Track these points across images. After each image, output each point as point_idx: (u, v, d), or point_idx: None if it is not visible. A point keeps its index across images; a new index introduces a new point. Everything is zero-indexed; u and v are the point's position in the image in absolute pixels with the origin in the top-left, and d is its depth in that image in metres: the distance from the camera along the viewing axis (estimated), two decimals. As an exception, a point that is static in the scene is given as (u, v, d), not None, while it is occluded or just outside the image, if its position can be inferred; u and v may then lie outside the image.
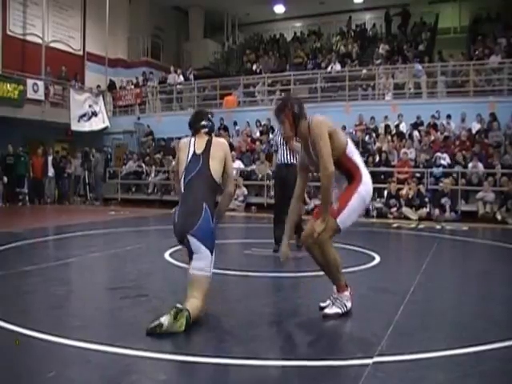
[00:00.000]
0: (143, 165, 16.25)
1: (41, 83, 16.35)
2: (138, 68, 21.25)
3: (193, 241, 3.23)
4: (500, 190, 11.25)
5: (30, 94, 15.86)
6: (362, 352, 2.74)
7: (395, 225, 10.20)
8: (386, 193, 12.00)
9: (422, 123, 14.23)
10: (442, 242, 7.93)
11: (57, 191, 16.40)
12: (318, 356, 2.75)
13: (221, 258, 4.90)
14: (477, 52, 16.26)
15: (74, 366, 2.57)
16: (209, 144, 3.46)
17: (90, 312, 3.63)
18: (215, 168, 3.38)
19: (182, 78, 19.41)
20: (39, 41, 17.40)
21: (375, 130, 14.72)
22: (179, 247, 6.43)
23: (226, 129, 16.37)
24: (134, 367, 2.58)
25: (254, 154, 14.84)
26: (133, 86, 19.59)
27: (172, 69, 19.78)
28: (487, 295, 4.34)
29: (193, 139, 3.56)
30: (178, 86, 19.15)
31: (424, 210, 11.08)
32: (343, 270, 3.51)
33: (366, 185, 3.39)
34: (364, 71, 16.77)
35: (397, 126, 14.46)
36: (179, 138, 17.28)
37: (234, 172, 3.53)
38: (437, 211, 10.96)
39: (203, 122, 3.62)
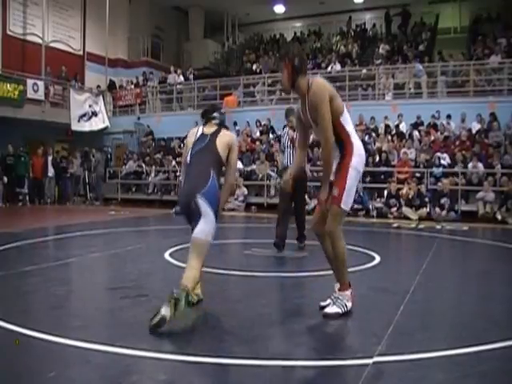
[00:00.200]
0: (143, 165, 16.26)
1: (41, 83, 16.36)
2: (138, 68, 21.27)
3: (202, 202, 3.28)
4: (500, 189, 11.25)
5: (30, 94, 15.87)
6: (361, 352, 2.74)
7: (395, 225, 10.20)
8: (385, 193, 12.00)
9: (422, 123, 14.23)
10: (442, 241, 7.93)
11: (57, 191, 16.41)
12: (318, 356, 2.75)
13: (221, 258, 4.92)
14: (476, 52, 16.27)
15: (75, 366, 2.57)
16: (217, 131, 3.63)
17: (90, 312, 3.63)
18: (222, 149, 3.52)
19: (181, 77, 19.41)
20: (39, 41, 17.41)
21: (375, 129, 14.72)
22: (179, 247, 6.46)
23: (225, 129, 16.34)
24: (135, 367, 2.58)
25: (254, 153, 14.84)
26: (133, 86, 19.60)
27: (172, 69, 19.78)
28: (487, 295, 4.34)
29: (201, 127, 3.71)
30: (178, 86, 19.16)
31: (424, 210, 11.08)
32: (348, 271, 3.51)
33: (358, 156, 3.39)
34: (364, 71, 16.78)
35: (397, 126, 14.46)
36: (179, 138, 17.46)
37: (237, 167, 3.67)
38: (437, 210, 10.96)
39: (215, 114, 3.76)
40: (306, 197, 10.34)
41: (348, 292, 3.43)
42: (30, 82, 15.93)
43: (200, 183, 3.33)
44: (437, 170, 12.07)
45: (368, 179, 12.71)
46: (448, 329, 3.34)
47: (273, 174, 13.56)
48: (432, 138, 13.41)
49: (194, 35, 24.67)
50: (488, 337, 2.97)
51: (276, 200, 11.86)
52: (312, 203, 11.06)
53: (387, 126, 14.51)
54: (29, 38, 17.87)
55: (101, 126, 18.18)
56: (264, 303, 3.87)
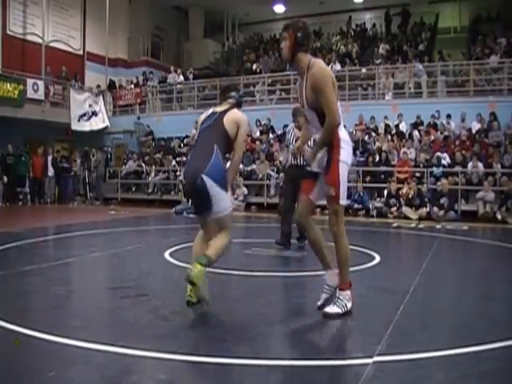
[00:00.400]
0: (143, 164, 16.26)
1: (41, 83, 16.36)
2: (138, 68, 21.26)
3: (208, 181, 3.30)
4: (500, 189, 11.25)
5: (30, 94, 15.88)
6: (362, 352, 2.74)
7: (395, 224, 10.20)
8: (385, 192, 12.01)
9: (421, 123, 14.23)
10: (442, 241, 7.93)
11: (57, 191, 16.41)
12: (318, 356, 2.75)
13: (221, 258, 4.90)
14: (476, 51, 16.27)
15: (75, 366, 2.57)
16: (228, 109, 3.62)
17: (90, 312, 3.63)
18: (230, 125, 3.51)
19: (181, 77, 19.41)
20: (39, 40, 17.41)
21: (375, 129, 14.72)
22: (179, 247, 6.46)
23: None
24: (135, 367, 2.58)
25: (254, 153, 14.84)
26: (133, 86, 19.60)
27: (172, 68, 19.78)
28: (487, 295, 4.34)
29: (214, 106, 3.76)
30: (178, 86, 19.16)
31: (424, 210, 11.08)
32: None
33: (344, 149, 3.39)
34: (364, 71, 16.77)
35: (397, 126, 14.47)
36: (179, 138, 17.43)
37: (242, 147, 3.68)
38: (435, 209, 10.96)
39: (232, 93, 3.76)
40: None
41: (349, 291, 3.43)
42: (29, 81, 15.93)
43: (203, 161, 3.35)
44: (437, 170, 12.07)
45: (368, 179, 12.72)
46: (448, 329, 3.34)
47: (273, 173, 13.56)
48: (432, 137, 13.41)
49: (194, 35, 24.67)
50: (488, 337, 2.97)
51: (276, 200, 11.88)
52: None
53: (387, 126, 14.51)
54: (29, 37, 17.87)
55: (101, 125, 18.18)
56: (264, 303, 3.87)
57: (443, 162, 12.30)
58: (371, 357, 2.62)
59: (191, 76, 19.70)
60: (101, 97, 18.52)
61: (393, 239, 8.97)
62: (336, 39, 21.28)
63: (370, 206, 12.01)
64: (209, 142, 3.45)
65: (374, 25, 21.85)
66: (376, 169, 12.86)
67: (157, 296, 4.00)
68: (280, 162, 12.78)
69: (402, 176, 12.26)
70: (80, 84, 19.14)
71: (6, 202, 14.42)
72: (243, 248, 6.98)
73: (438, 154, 12.39)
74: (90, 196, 16.33)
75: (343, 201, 3.40)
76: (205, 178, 3.30)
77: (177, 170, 15.11)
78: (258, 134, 15.98)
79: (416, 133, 13.85)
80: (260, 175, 13.90)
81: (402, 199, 11.45)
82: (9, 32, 17.35)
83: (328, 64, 17.75)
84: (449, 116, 13.82)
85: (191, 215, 11.77)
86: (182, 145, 17.04)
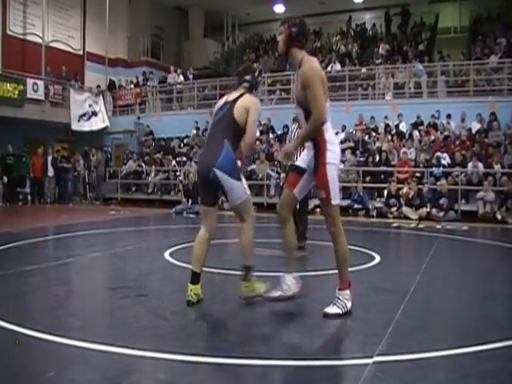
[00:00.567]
0: (143, 164, 16.26)
1: (41, 83, 16.36)
2: (138, 68, 21.27)
3: (220, 174, 3.49)
4: (500, 189, 11.24)
5: (30, 94, 15.88)
6: (362, 352, 2.74)
7: (395, 224, 10.19)
8: (385, 192, 12.00)
9: (422, 123, 14.22)
10: (442, 241, 7.93)
11: (57, 191, 16.41)
12: (318, 356, 2.75)
13: (221, 258, 4.92)
14: (476, 51, 16.27)
15: (74, 366, 2.56)
16: (240, 96, 3.72)
17: (90, 312, 3.63)
18: (239, 113, 3.62)
19: (181, 77, 19.40)
20: (39, 40, 17.41)
21: (375, 129, 14.72)
22: (179, 247, 6.45)
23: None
24: (134, 367, 2.58)
25: (254, 153, 14.83)
26: (132, 86, 19.59)
27: (172, 68, 19.78)
28: (487, 295, 4.33)
29: (229, 94, 3.85)
30: (178, 86, 19.15)
31: (424, 210, 11.07)
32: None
33: (331, 151, 3.40)
34: (364, 71, 16.77)
35: (397, 126, 14.46)
36: (179, 138, 17.42)
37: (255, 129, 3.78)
38: (434, 211, 10.95)
39: (247, 77, 3.84)
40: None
41: (348, 291, 3.43)
42: (29, 81, 15.93)
43: (214, 155, 3.52)
44: (437, 170, 12.07)
45: (368, 179, 12.72)
46: (448, 328, 3.34)
47: (273, 173, 13.55)
48: (432, 137, 13.41)
49: (194, 35, 24.67)
50: (488, 336, 2.97)
51: (276, 200, 11.87)
52: (312, 203, 11.06)
53: (387, 126, 14.51)
54: (29, 37, 17.87)
55: (101, 125, 18.18)
56: (264, 303, 3.86)
57: (443, 162, 12.30)
58: (371, 357, 2.61)
59: (191, 76, 19.69)
60: (101, 97, 18.52)
61: (393, 239, 8.97)
62: (336, 39, 21.28)
63: (370, 206, 12.00)
64: (219, 136, 3.60)
65: (373, 25, 21.86)
66: (376, 169, 12.86)
67: (157, 296, 4.00)
68: (279, 162, 12.78)
69: (402, 176, 12.25)
70: (80, 84, 19.14)
71: (5, 202, 14.41)
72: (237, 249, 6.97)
73: (438, 154, 12.39)
74: (90, 196, 16.33)
75: (336, 201, 3.42)
76: (216, 171, 3.48)
77: (177, 170, 15.11)
78: (258, 133, 15.96)
79: (416, 133, 13.85)
80: (260, 175, 13.89)
81: (402, 199, 11.44)
82: (9, 32, 17.35)
83: (328, 64, 17.80)
84: (449, 116, 13.82)
85: (191, 215, 11.78)
86: (181, 145, 17.03)
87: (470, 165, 11.90)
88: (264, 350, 2.83)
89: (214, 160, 3.50)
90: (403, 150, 12.98)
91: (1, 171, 14.46)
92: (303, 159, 3.57)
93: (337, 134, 15.01)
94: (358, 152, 13.89)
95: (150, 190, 15.64)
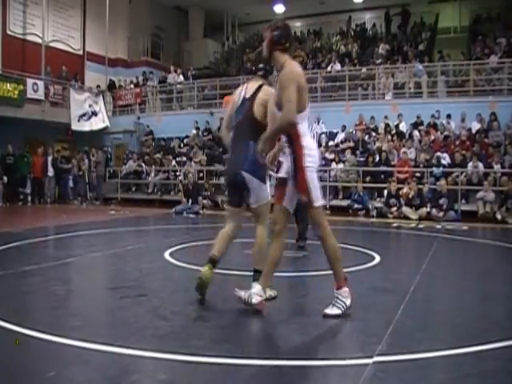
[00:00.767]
0: (143, 164, 16.26)
1: (41, 83, 16.36)
2: (137, 68, 21.26)
3: (247, 176, 3.67)
4: (500, 189, 11.24)
5: (30, 94, 15.88)
6: (362, 352, 2.74)
7: (395, 224, 10.19)
8: (385, 192, 12.00)
9: (422, 123, 14.22)
10: (442, 241, 7.93)
11: (57, 191, 16.41)
12: (318, 356, 2.75)
13: (221, 258, 4.89)
14: (476, 51, 16.27)
15: (74, 366, 2.56)
16: (258, 90, 3.79)
17: (90, 312, 3.63)
18: (259, 111, 3.72)
19: (181, 77, 19.40)
20: (39, 40, 17.40)
21: (375, 129, 14.72)
22: (179, 247, 6.46)
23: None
24: (134, 367, 2.58)
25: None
26: (132, 86, 19.59)
27: (172, 68, 19.77)
28: (487, 295, 4.33)
29: (245, 85, 3.93)
30: (178, 86, 19.15)
31: (424, 210, 11.07)
32: (343, 270, 3.50)
33: (308, 155, 3.40)
34: (364, 71, 16.77)
35: (397, 126, 14.46)
36: (179, 138, 17.41)
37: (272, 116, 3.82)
38: (434, 211, 10.95)
39: (261, 65, 3.93)
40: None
41: (346, 288, 3.41)
42: (29, 81, 15.93)
43: (240, 158, 3.67)
44: (437, 170, 12.07)
45: (368, 179, 12.72)
46: (448, 328, 3.34)
47: (273, 173, 13.52)
48: (432, 137, 13.40)
49: (194, 35, 24.67)
50: (488, 337, 2.97)
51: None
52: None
53: (387, 126, 14.51)
54: (29, 37, 17.86)
55: (101, 125, 18.18)
56: (265, 302, 3.86)
57: (443, 162, 12.30)
58: (371, 357, 2.61)
59: (191, 76, 19.69)
60: (101, 97, 18.52)
61: (393, 239, 8.97)
62: (336, 39, 21.28)
63: (370, 206, 12.00)
64: (244, 138, 3.71)
65: (374, 25, 21.85)
66: (376, 169, 12.85)
67: (157, 296, 4.00)
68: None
69: (402, 176, 12.26)
70: (80, 84, 19.14)
71: (6, 202, 14.41)
72: (243, 248, 6.98)
73: (438, 154, 12.39)
74: (90, 196, 16.33)
75: (318, 203, 3.42)
76: (244, 174, 3.65)
77: (177, 170, 15.11)
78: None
79: (416, 133, 13.85)
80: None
81: (401, 199, 11.44)
82: (9, 32, 17.34)
83: (328, 64, 17.80)
84: (449, 116, 13.81)
85: (191, 215, 11.78)
86: (181, 145, 17.03)
87: (470, 165, 11.90)
88: (264, 349, 2.83)
89: (241, 163, 3.65)
90: (403, 149, 12.98)
91: (1, 171, 14.46)
92: (284, 169, 3.57)
93: (337, 134, 15.04)
94: (358, 152, 13.89)
95: (150, 190, 15.63)
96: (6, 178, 14.49)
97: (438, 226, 9.86)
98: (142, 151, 17.56)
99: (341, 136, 14.77)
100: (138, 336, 2.94)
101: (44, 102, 16.59)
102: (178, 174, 14.90)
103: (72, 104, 17.32)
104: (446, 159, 12.42)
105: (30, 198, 15.30)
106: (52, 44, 18.68)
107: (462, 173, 11.82)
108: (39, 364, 2.59)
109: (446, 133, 13.48)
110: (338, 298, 3.41)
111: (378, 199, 12.44)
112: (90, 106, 17.82)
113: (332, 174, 13.22)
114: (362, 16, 23.24)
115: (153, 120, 18.42)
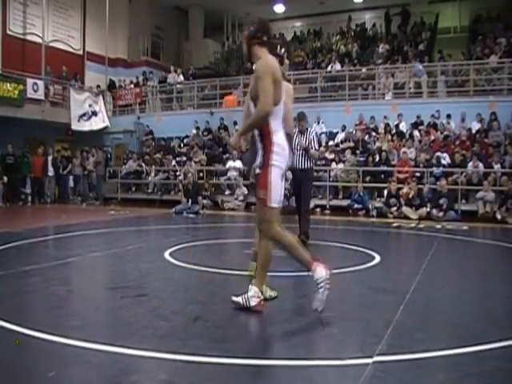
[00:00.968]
0: (143, 164, 16.26)
1: (41, 83, 16.36)
2: (137, 67, 21.28)
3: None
4: (500, 189, 11.25)
5: (30, 94, 15.89)
6: (361, 352, 2.74)
7: (395, 224, 10.19)
8: (385, 192, 12.00)
9: (422, 123, 14.23)
10: (442, 241, 7.93)
11: (57, 191, 16.41)
12: (318, 356, 2.75)
13: (221, 258, 4.92)
14: (476, 51, 16.27)
15: (74, 366, 2.56)
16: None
17: (90, 312, 3.63)
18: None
19: (181, 77, 19.41)
20: (39, 40, 17.41)
21: (375, 129, 14.72)
22: (179, 246, 6.46)
23: (225, 128, 16.37)
24: (135, 367, 2.58)
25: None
26: (132, 86, 19.59)
27: (172, 68, 19.78)
28: (487, 295, 4.34)
29: None
30: (178, 86, 19.16)
31: (424, 210, 11.08)
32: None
33: (277, 154, 3.39)
34: (364, 70, 16.78)
35: (397, 126, 14.47)
36: (179, 138, 17.41)
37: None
38: (434, 211, 10.95)
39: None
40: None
41: (320, 267, 3.30)
42: (29, 81, 15.94)
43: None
44: (437, 170, 12.07)
45: (368, 179, 12.72)
46: (448, 328, 3.34)
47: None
48: (432, 137, 13.41)
49: (194, 35, 24.67)
50: (488, 337, 2.97)
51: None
52: (312, 203, 11.06)
53: (387, 126, 14.51)
54: (29, 37, 17.88)
55: (101, 125, 18.19)
56: (264, 303, 3.87)
57: (443, 161, 12.30)
58: (371, 357, 2.62)
59: (191, 76, 19.70)
60: (101, 97, 18.53)
61: (393, 239, 8.97)
62: (336, 39, 21.29)
63: (370, 205, 12.01)
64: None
65: (373, 25, 21.87)
66: (376, 169, 12.86)
67: (157, 296, 4.00)
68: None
69: (402, 176, 12.26)
70: (80, 84, 19.15)
71: (6, 202, 14.42)
72: (243, 248, 6.98)
73: (438, 154, 12.39)
74: (90, 196, 16.33)
75: (273, 204, 3.38)
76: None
77: (177, 170, 15.11)
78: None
79: (416, 133, 13.85)
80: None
81: (402, 199, 11.45)
82: (9, 32, 17.36)
83: (328, 64, 17.81)
84: (449, 116, 13.82)
85: (191, 215, 11.78)
86: (181, 145, 17.04)
87: (470, 165, 11.91)
88: (264, 349, 2.84)
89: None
90: (403, 149, 12.99)
91: (1, 171, 14.47)
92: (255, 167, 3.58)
93: (337, 134, 15.04)
94: (358, 152, 13.89)
95: (149, 190, 15.64)
96: (6, 178, 14.50)
97: (438, 226, 9.86)
98: (142, 151, 17.56)
99: (341, 136, 14.78)
100: (138, 336, 2.94)
101: (44, 102, 16.60)
102: (177, 173, 14.90)
103: (72, 104, 17.32)
104: (446, 159, 12.43)
105: (30, 198, 15.31)
106: (52, 44, 18.69)
107: (461, 173, 11.82)
108: (39, 364, 2.59)
109: (445, 133, 13.50)
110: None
111: (378, 199, 12.45)
112: (89, 105, 17.83)
113: (332, 173, 13.23)
114: (361, 16, 23.25)
115: (153, 120, 18.43)
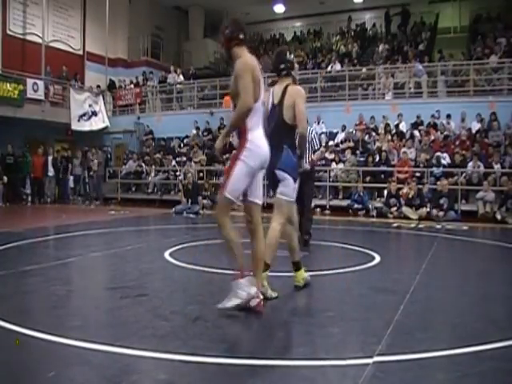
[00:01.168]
0: (143, 164, 16.26)
1: (41, 83, 16.36)
2: (137, 68, 21.25)
3: (279, 173, 3.91)
4: (500, 189, 11.25)
5: (30, 94, 15.88)
6: (362, 352, 2.74)
7: (395, 224, 10.19)
8: (385, 192, 12.00)
9: (421, 123, 14.23)
10: (442, 241, 7.93)
11: (57, 191, 16.41)
12: (318, 356, 2.75)
13: (221, 258, 4.91)
14: (476, 51, 16.27)
15: (74, 366, 2.57)
16: (284, 93, 3.96)
17: (90, 312, 3.63)
18: (288, 114, 3.94)
19: (181, 77, 19.41)
20: (39, 40, 17.40)
21: (375, 129, 14.71)
22: (179, 246, 6.46)
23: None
24: (135, 367, 2.58)
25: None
26: (132, 86, 19.59)
27: (172, 68, 19.77)
28: (487, 295, 4.34)
29: (271, 90, 4.08)
30: (178, 86, 19.15)
31: (424, 210, 11.07)
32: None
33: (249, 150, 3.42)
34: (364, 71, 16.77)
35: (397, 126, 14.46)
36: (179, 138, 17.40)
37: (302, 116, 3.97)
38: (434, 211, 10.95)
39: (282, 65, 4.07)
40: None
41: (242, 280, 3.38)
42: (29, 81, 15.93)
43: (276, 159, 3.80)
44: (437, 170, 12.07)
45: (368, 179, 12.72)
46: (448, 329, 3.34)
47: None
48: (432, 137, 13.41)
49: (194, 35, 24.67)
50: (488, 337, 2.97)
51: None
52: (312, 203, 11.05)
53: (387, 126, 14.51)
54: (29, 37, 17.85)
55: (101, 125, 18.18)
56: (264, 303, 3.87)
57: (443, 161, 12.30)
58: (371, 357, 2.62)
59: (191, 76, 19.70)
60: (101, 97, 18.52)
61: (393, 239, 8.97)
62: (336, 39, 21.29)
63: (370, 206, 12.00)
64: (278, 141, 3.84)
65: (373, 25, 21.86)
66: (376, 169, 12.86)
67: (157, 296, 4.00)
68: None
69: (402, 176, 12.26)
70: (80, 84, 19.14)
71: (6, 202, 14.41)
72: (243, 248, 6.98)
73: (438, 154, 12.39)
74: (91, 196, 16.32)
75: (229, 195, 3.47)
76: (277, 172, 3.89)
77: (177, 170, 15.11)
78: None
79: (416, 133, 13.85)
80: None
81: (401, 199, 11.44)
82: (9, 32, 17.34)
83: (328, 64, 17.80)
84: (449, 116, 13.82)
85: (191, 215, 11.78)
86: (181, 145, 17.04)
87: (470, 165, 11.91)
88: (264, 349, 2.83)
89: (276, 164, 3.83)
90: (403, 149, 12.99)
91: (1, 171, 14.47)
92: None
93: (337, 134, 15.04)
94: (358, 152, 13.89)
95: (149, 190, 15.63)
96: (6, 178, 14.50)
97: (438, 226, 9.86)
98: (142, 151, 17.56)
99: (341, 136, 14.78)
100: (138, 336, 2.94)
101: (44, 102, 16.59)
102: (177, 173, 14.90)
103: (72, 104, 17.32)
104: (445, 159, 12.42)
105: (30, 198, 15.31)
106: (52, 44, 18.67)
107: (461, 173, 11.82)
108: (39, 364, 2.59)
109: (445, 133, 13.49)
110: (233, 290, 3.43)
111: (378, 199, 12.44)
112: (89, 105, 17.82)
113: (332, 174, 13.23)
114: (361, 16, 23.25)
115: (153, 120, 18.43)
